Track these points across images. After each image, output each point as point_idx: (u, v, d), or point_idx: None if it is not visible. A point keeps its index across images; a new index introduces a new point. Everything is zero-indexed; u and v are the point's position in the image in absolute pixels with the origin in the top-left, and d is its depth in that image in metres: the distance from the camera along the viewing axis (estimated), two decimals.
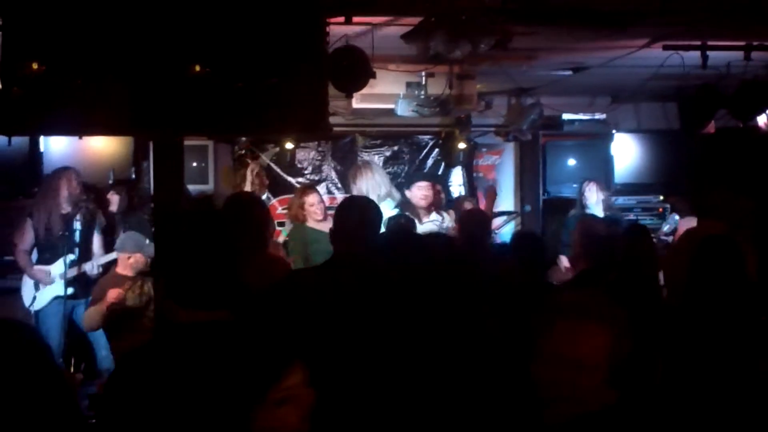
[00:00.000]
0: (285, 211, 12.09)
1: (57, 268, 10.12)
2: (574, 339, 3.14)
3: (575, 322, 3.16)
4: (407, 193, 11.04)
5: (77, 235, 10.10)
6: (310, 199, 10.46)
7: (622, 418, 3.21)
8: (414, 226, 9.72)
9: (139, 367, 3.44)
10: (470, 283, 5.72)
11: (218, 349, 3.35)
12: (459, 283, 5.57)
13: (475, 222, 8.92)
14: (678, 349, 5.03)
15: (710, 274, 5.30)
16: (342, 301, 5.29)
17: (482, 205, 11.66)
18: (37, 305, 10.18)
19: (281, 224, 12.00)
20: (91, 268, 10.13)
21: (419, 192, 10.96)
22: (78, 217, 10.05)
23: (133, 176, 11.78)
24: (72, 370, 8.79)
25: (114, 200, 10.78)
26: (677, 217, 12.38)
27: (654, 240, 11.14)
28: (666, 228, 11.92)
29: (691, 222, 10.14)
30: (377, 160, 13.40)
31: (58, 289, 10.10)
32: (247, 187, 11.98)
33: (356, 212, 5.88)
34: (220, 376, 3.27)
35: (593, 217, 10.96)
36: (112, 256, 10.09)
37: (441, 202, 11.56)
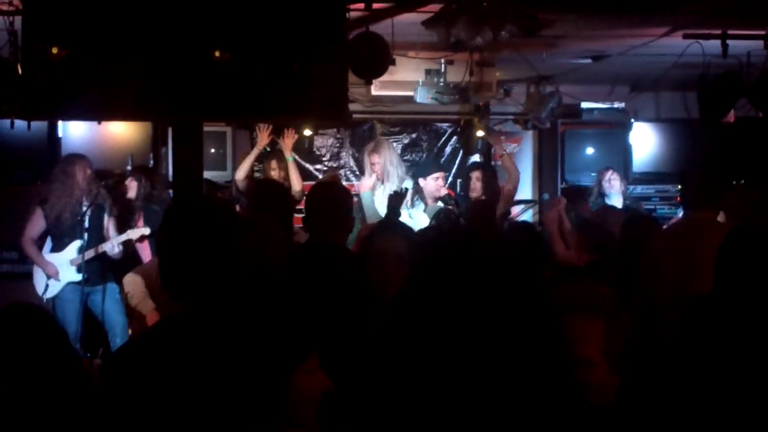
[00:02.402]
0: None
1: (68, 254, 10.12)
2: (570, 338, 3.12)
3: (568, 318, 3.14)
4: (422, 182, 10.97)
5: (87, 221, 10.06)
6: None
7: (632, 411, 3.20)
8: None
9: (137, 359, 3.40)
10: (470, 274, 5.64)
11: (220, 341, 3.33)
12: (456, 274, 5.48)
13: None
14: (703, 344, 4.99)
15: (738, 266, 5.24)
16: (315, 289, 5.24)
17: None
18: (50, 293, 10.16)
19: (299, 211, 11.98)
20: (111, 248, 10.11)
21: (435, 182, 10.90)
22: (88, 202, 10.03)
23: (152, 162, 11.78)
24: (89, 355, 8.82)
25: (132, 186, 10.73)
26: None
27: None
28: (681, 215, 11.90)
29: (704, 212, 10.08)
30: (395, 147, 13.36)
31: (70, 275, 10.10)
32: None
33: (327, 197, 5.88)
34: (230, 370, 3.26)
35: (611, 207, 10.94)
36: (124, 237, 10.12)
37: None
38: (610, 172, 12.03)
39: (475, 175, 11.38)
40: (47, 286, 10.15)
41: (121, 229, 10.35)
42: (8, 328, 3.48)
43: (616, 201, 11.74)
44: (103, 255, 10.13)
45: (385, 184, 10.52)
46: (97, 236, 10.17)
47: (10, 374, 3.39)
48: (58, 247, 10.20)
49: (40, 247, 10.33)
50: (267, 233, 4.99)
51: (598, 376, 3.17)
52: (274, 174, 11.20)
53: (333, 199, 5.87)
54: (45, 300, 10.11)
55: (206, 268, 3.39)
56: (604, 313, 3.10)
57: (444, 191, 10.89)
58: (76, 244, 9.97)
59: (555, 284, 6.61)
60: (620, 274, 7.12)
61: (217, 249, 3.41)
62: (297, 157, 12.97)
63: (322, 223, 5.73)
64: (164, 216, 3.65)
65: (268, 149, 12.80)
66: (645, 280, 6.45)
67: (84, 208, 9.98)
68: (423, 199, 10.69)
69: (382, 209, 10.11)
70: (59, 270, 10.13)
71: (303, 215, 5.95)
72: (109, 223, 10.30)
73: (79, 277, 9.98)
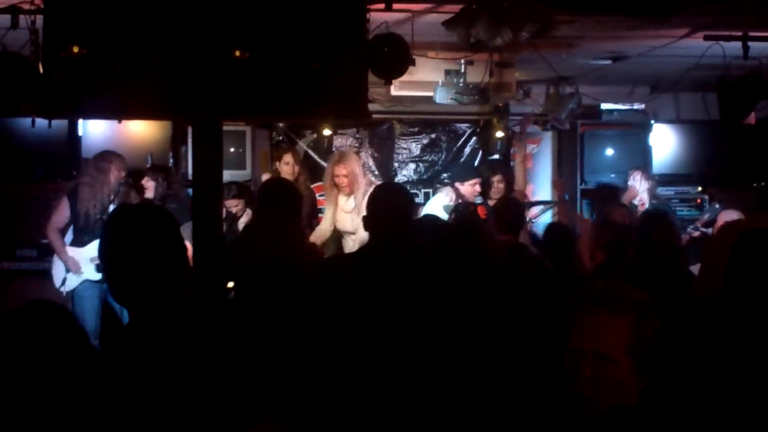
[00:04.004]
0: (323, 197, 12.14)
1: (89, 251, 10.11)
2: (594, 333, 3.12)
3: (593, 315, 3.14)
4: (458, 186, 10.98)
5: None
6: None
7: (654, 413, 3.19)
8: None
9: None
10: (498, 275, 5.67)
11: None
12: (488, 276, 5.51)
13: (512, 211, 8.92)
14: (713, 342, 4.98)
15: (749, 267, 5.21)
16: (372, 291, 5.25)
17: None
18: (68, 287, 10.16)
19: (319, 210, 12.01)
20: None
21: (472, 188, 10.93)
22: (116, 202, 10.02)
23: (171, 161, 11.80)
24: None
25: (150, 186, 10.74)
26: (717, 206, 12.32)
27: (691, 228, 11.15)
28: (706, 217, 11.82)
29: (731, 214, 10.06)
30: (414, 147, 13.41)
31: (89, 273, 10.09)
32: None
33: (389, 199, 5.89)
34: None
35: (623, 206, 10.94)
36: None
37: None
38: (632, 171, 12.04)
39: (497, 178, 11.39)
40: (65, 279, 10.16)
41: None
42: (27, 325, 3.49)
43: (642, 199, 11.74)
44: None
45: (353, 196, 10.55)
46: None
47: (28, 371, 3.40)
48: (79, 243, 10.19)
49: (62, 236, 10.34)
50: (284, 231, 5.00)
51: (620, 375, 3.16)
52: (287, 168, 11.14)
53: (394, 201, 5.90)
54: (64, 293, 10.12)
55: (148, 275, 3.43)
56: (629, 310, 3.09)
57: (479, 198, 10.95)
58: (97, 242, 9.91)
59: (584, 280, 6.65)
60: (636, 267, 7.15)
61: (157, 255, 3.45)
62: (317, 156, 13.04)
63: (383, 226, 5.76)
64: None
65: (281, 141, 12.83)
66: (704, 277, 6.47)
67: (111, 207, 9.95)
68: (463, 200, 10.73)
69: (347, 222, 10.27)
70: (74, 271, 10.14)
71: (364, 216, 6.01)
72: None
73: (97, 276, 9.98)
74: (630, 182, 11.93)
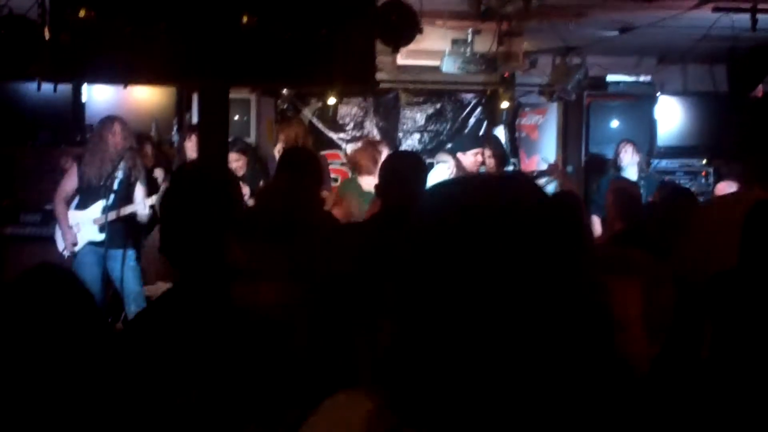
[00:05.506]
0: (332, 165, 12.08)
1: (93, 212, 10.05)
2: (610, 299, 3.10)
3: (608, 281, 3.13)
4: (460, 156, 10.93)
5: (116, 183, 9.98)
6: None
7: (664, 381, 3.18)
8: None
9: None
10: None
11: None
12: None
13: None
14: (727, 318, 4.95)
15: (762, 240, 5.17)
16: (387, 259, 5.21)
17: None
18: (69, 249, 10.14)
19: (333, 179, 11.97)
20: (143, 207, 10.00)
21: (474, 158, 10.87)
22: (122, 167, 9.96)
23: (176, 128, 11.78)
24: (111, 320, 8.81)
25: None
26: None
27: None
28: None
29: (731, 185, 10.04)
30: (419, 117, 13.37)
31: (92, 233, 10.05)
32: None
33: (403, 166, 5.87)
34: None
35: (625, 179, 10.91)
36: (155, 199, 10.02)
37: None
38: (622, 144, 12.00)
39: (487, 153, 11.34)
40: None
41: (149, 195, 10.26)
42: (36, 289, 3.47)
43: (631, 173, 11.69)
44: (130, 218, 10.05)
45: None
46: (124, 199, 10.07)
47: (37, 335, 3.38)
48: (82, 206, 10.15)
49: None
50: (301, 196, 4.97)
51: (634, 340, 3.14)
52: (292, 137, 11.05)
53: (404, 168, 5.88)
54: (66, 256, 10.09)
55: (206, 236, 3.45)
56: (642, 277, 3.08)
57: (481, 168, 10.90)
58: (101, 204, 9.89)
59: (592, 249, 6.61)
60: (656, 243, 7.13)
61: (217, 218, 3.47)
62: (321, 125, 13.00)
63: (395, 192, 5.74)
64: (170, 182, 3.70)
65: (287, 109, 12.80)
66: (690, 248, 6.44)
67: (116, 171, 9.89)
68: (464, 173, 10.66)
69: None
70: (80, 231, 10.08)
71: (376, 184, 5.99)
72: (139, 190, 10.15)
73: (100, 236, 9.92)
74: (621, 154, 11.90)
